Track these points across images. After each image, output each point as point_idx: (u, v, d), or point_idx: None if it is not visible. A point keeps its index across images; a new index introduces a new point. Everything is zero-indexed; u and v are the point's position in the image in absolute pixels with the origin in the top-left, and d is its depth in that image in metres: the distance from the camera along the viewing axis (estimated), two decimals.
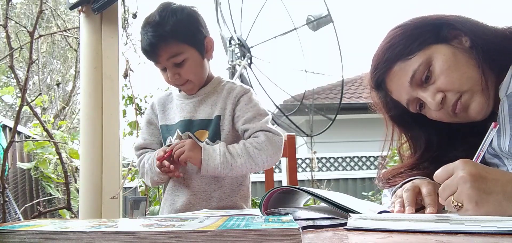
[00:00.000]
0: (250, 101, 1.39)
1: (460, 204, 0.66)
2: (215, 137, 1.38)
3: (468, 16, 0.96)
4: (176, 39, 1.31)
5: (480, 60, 0.89)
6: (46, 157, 3.45)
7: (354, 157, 8.27)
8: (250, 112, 1.37)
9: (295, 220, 0.58)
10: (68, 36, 3.59)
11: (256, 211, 0.96)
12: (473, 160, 0.75)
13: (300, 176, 5.88)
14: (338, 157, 8.25)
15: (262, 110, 1.40)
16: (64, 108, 5.61)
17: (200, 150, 1.30)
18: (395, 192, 0.96)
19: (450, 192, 0.68)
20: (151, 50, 1.32)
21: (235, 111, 1.39)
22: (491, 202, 0.64)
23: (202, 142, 1.38)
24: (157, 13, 1.34)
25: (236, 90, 1.41)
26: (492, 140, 0.87)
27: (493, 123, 0.77)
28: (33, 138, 3.55)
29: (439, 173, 0.71)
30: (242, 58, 4.90)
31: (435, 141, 1.05)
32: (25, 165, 3.38)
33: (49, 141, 3.04)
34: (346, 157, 8.27)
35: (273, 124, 1.39)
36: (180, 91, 1.46)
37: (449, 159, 0.88)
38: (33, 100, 3.13)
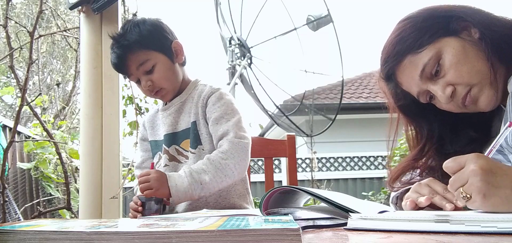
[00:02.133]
0: (218, 100, 1.36)
1: (468, 196, 0.68)
2: (196, 144, 1.37)
3: (477, 7, 0.97)
4: (141, 47, 1.33)
5: (489, 52, 0.90)
6: (46, 157, 3.45)
7: (354, 157, 8.27)
8: (217, 112, 1.34)
9: (295, 220, 0.58)
10: (68, 36, 3.59)
11: (256, 211, 0.96)
12: (485, 154, 0.76)
13: (300, 176, 5.88)
14: (338, 157, 8.25)
15: (230, 109, 1.35)
16: (64, 108, 5.61)
17: (166, 180, 1.22)
18: (400, 196, 0.97)
19: (461, 183, 0.69)
20: (120, 63, 1.35)
21: (206, 113, 1.37)
22: (498, 196, 0.66)
23: (187, 151, 1.38)
24: (121, 29, 1.38)
25: (204, 91, 1.39)
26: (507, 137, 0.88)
27: (508, 123, 0.78)
28: (33, 138, 3.55)
29: (449, 164, 0.72)
30: (242, 58, 4.90)
31: (442, 131, 1.06)
32: (25, 165, 3.38)
33: (49, 141, 3.04)
34: (346, 157, 8.27)
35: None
36: (165, 104, 1.46)
37: (453, 151, 0.92)
38: (33, 100, 3.14)
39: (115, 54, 1.35)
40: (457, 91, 0.92)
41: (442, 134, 1.05)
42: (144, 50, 1.34)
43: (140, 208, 1.19)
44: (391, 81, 1.03)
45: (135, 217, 1.18)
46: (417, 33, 0.94)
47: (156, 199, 1.19)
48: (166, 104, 1.47)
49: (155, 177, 1.20)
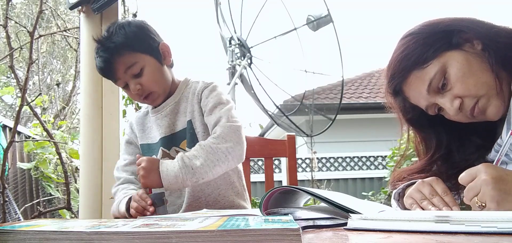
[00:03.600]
0: (211, 92, 1.35)
1: (483, 204, 0.71)
2: (192, 142, 1.34)
3: (478, 19, 0.98)
4: (128, 49, 1.29)
5: (493, 62, 0.92)
6: (46, 157, 3.45)
7: (354, 157, 8.27)
8: (210, 102, 1.33)
9: (295, 220, 0.58)
10: (68, 36, 3.59)
11: (256, 211, 0.96)
12: (493, 163, 0.80)
13: (300, 176, 5.88)
14: (338, 157, 8.25)
15: (224, 99, 1.34)
16: (64, 108, 5.61)
17: (157, 166, 1.21)
18: (402, 193, 0.98)
19: (474, 193, 0.73)
20: (107, 67, 1.30)
21: (201, 107, 1.36)
22: (511, 201, 0.70)
23: (185, 151, 1.36)
24: (105, 31, 1.33)
25: (198, 87, 1.38)
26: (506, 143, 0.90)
27: (510, 131, 0.82)
28: (33, 138, 3.55)
29: (463, 176, 0.76)
30: (242, 58, 4.90)
31: (450, 141, 1.08)
32: (25, 165, 3.38)
33: (49, 141, 3.04)
34: (346, 157, 8.27)
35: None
36: (154, 107, 1.43)
37: (460, 159, 0.96)
38: (33, 100, 3.14)
39: (101, 58, 1.30)
40: (465, 103, 0.94)
41: (450, 144, 1.07)
42: (132, 52, 1.29)
43: (151, 208, 1.15)
44: (399, 96, 1.05)
45: (137, 215, 1.16)
46: (421, 48, 0.97)
47: (157, 197, 1.18)
48: (156, 106, 1.43)
49: (143, 166, 1.19)
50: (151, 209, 1.14)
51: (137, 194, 1.20)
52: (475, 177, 0.74)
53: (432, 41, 0.96)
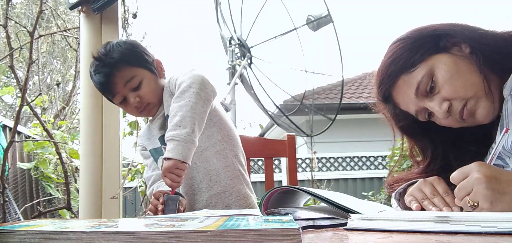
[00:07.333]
0: (187, 72, 1.34)
1: (475, 204, 0.69)
2: None
3: (465, 23, 0.98)
4: (127, 64, 1.36)
5: (481, 65, 0.91)
6: (46, 157, 3.45)
7: (354, 157, 8.26)
8: (181, 78, 1.32)
9: (295, 220, 0.58)
10: (68, 36, 3.59)
11: (256, 211, 0.96)
12: (487, 163, 0.78)
13: (300, 176, 5.88)
14: (338, 157, 8.25)
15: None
16: (64, 108, 5.60)
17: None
18: (403, 193, 0.98)
19: (466, 192, 0.71)
20: (106, 81, 1.35)
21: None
22: (504, 202, 0.68)
23: None
24: (102, 48, 1.40)
25: (166, 84, 1.43)
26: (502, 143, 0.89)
27: (505, 129, 0.80)
28: (33, 138, 3.55)
29: (455, 175, 0.75)
30: (242, 58, 4.90)
31: (445, 150, 1.07)
32: (25, 165, 3.38)
33: (49, 141, 3.04)
34: (346, 157, 8.27)
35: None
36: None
37: (457, 167, 0.93)
38: (33, 100, 3.13)
39: (102, 73, 1.36)
40: (454, 105, 0.93)
41: (446, 153, 1.06)
42: (130, 67, 1.36)
43: (160, 206, 1.19)
44: (389, 103, 1.05)
45: (156, 213, 1.19)
46: (409, 53, 0.97)
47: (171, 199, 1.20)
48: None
49: (165, 168, 1.19)
50: (160, 207, 1.18)
51: (153, 194, 1.26)
52: (467, 175, 0.72)
53: (419, 45, 0.97)
